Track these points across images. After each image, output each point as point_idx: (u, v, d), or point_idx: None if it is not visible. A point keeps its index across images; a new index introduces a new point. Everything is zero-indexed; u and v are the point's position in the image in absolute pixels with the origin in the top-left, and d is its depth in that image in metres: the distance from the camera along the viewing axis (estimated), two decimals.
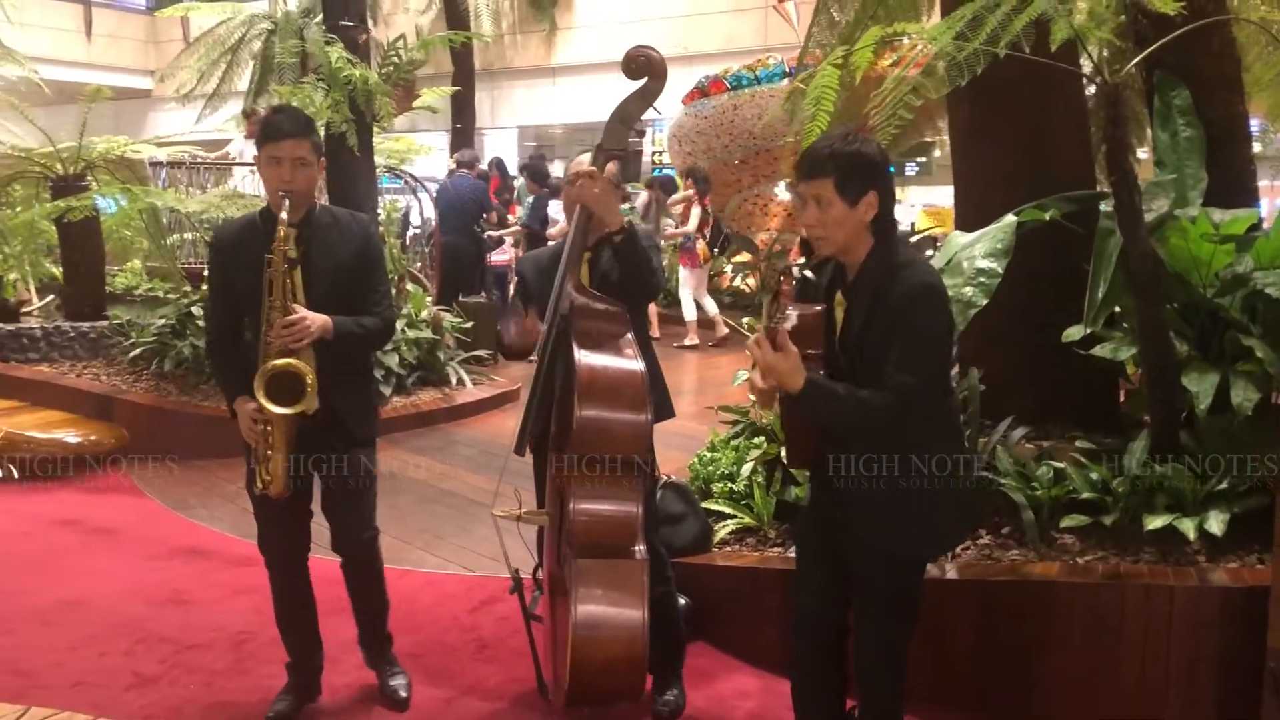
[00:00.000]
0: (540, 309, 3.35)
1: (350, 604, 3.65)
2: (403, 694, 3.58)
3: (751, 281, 11.04)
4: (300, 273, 3.22)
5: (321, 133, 7.54)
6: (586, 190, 3.11)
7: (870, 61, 3.82)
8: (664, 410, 3.50)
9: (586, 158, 3.29)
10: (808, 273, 2.69)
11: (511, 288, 11.03)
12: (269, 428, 3.19)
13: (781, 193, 11.44)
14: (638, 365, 3.02)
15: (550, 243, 9.72)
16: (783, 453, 4.10)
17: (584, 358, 2.99)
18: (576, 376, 2.95)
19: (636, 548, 2.97)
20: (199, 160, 10.78)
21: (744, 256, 10.94)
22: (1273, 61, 4.44)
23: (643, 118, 3.25)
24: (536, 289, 3.45)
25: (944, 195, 15.90)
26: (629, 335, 3.10)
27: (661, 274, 3.42)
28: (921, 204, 16.26)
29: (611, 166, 3.23)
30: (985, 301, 3.59)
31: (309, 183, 3.23)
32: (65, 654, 3.95)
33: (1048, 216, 3.83)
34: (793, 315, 2.56)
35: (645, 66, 3.12)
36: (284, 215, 3.11)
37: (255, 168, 3.76)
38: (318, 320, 3.16)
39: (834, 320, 2.69)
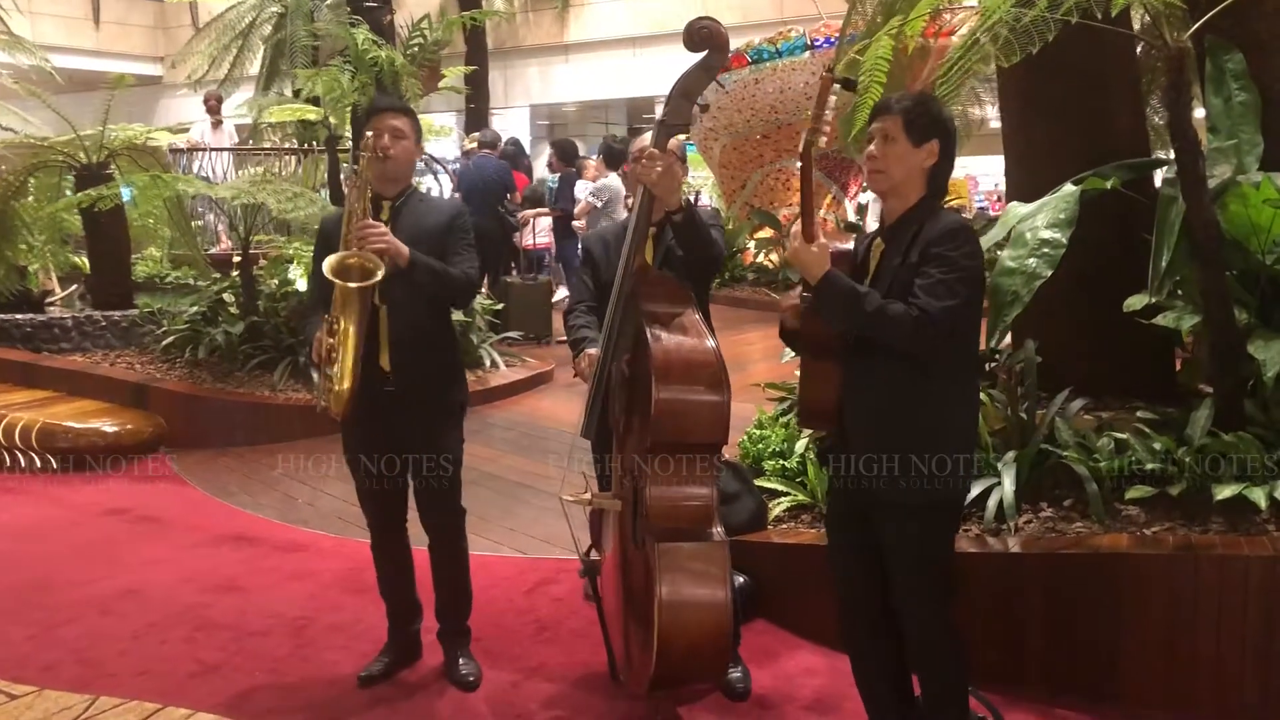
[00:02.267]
0: (605, 288, 3.33)
1: (434, 588, 3.68)
2: (471, 679, 3.58)
3: (775, 257, 10.97)
4: None
5: (347, 115, 7.57)
6: (647, 171, 3.06)
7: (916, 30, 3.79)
8: None
9: (649, 137, 3.25)
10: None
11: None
12: (337, 325, 3.22)
13: None
14: (711, 343, 2.99)
15: (575, 222, 9.71)
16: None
17: (657, 339, 2.96)
18: (651, 359, 2.91)
19: (715, 529, 2.95)
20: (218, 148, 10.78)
21: (767, 232, 10.88)
22: None
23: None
24: (604, 265, 3.43)
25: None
26: (697, 315, 3.07)
27: (720, 247, 3.40)
28: None
29: (676, 141, 3.18)
30: (1050, 272, 3.56)
31: (406, 154, 3.40)
32: (129, 642, 3.96)
33: (1109, 185, 3.78)
34: (829, 116, 2.66)
35: (708, 38, 3.06)
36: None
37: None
38: (393, 239, 3.24)
39: (868, 265, 2.74)
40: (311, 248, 7.12)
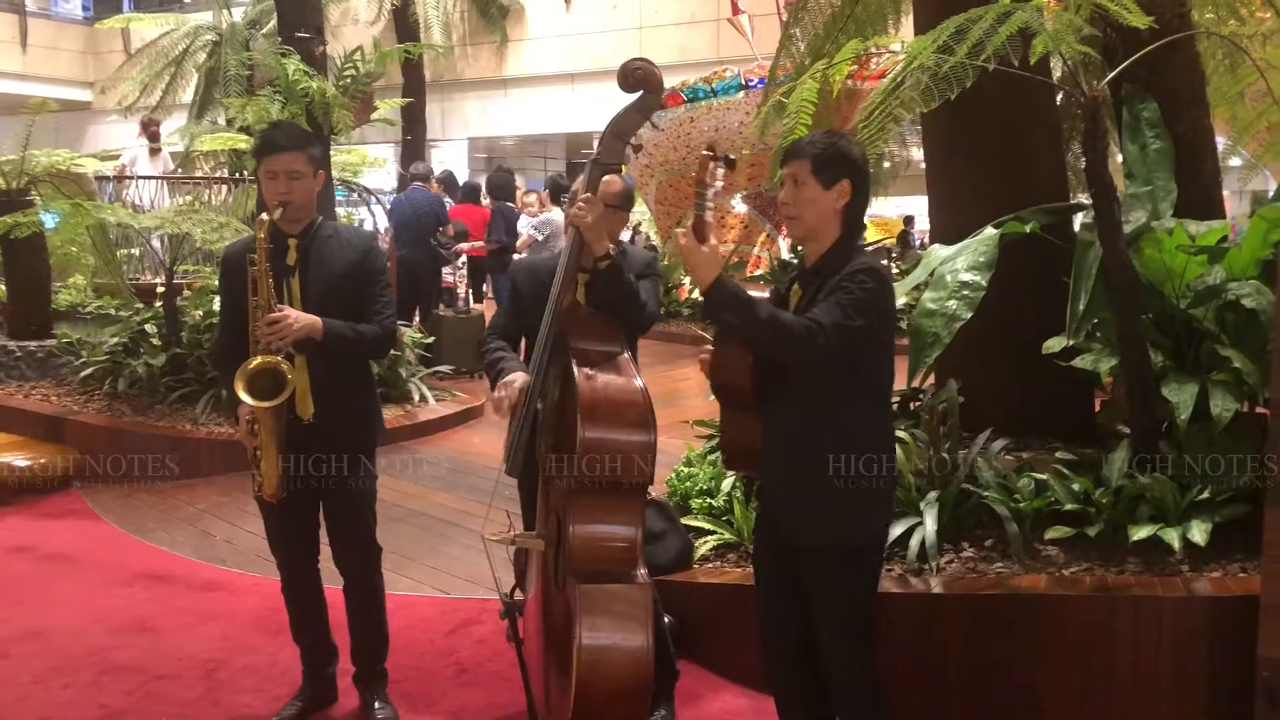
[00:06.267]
0: (525, 317, 3.31)
1: (349, 630, 3.60)
2: None
3: None
4: (298, 282, 3.30)
5: None
6: (579, 215, 3.06)
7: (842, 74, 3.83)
8: None
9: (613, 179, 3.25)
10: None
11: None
12: (257, 426, 3.23)
13: (738, 205, 11.46)
14: (639, 382, 2.97)
15: (516, 255, 9.67)
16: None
17: (584, 377, 2.93)
18: (578, 397, 2.89)
19: (639, 571, 2.92)
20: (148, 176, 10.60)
21: None
22: (1239, 75, 4.50)
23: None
24: (530, 299, 3.39)
25: (883, 206, 16.08)
26: (626, 353, 3.05)
27: (648, 307, 3.33)
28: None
29: (616, 181, 3.19)
30: (970, 314, 3.60)
31: (305, 194, 3.31)
32: (28, 687, 3.81)
33: (1028, 229, 3.84)
34: (711, 199, 2.70)
35: (642, 80, 3.07)
36: (263, 216, 3.17)
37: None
38: (303, 319, 3.20)
39: (787, 308, 2.74)
40: None
